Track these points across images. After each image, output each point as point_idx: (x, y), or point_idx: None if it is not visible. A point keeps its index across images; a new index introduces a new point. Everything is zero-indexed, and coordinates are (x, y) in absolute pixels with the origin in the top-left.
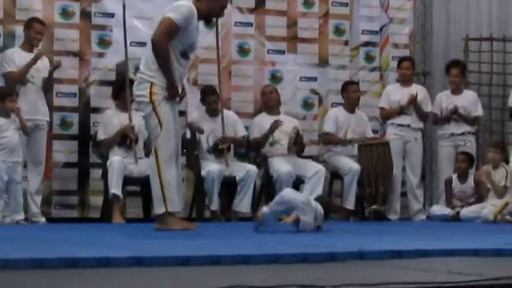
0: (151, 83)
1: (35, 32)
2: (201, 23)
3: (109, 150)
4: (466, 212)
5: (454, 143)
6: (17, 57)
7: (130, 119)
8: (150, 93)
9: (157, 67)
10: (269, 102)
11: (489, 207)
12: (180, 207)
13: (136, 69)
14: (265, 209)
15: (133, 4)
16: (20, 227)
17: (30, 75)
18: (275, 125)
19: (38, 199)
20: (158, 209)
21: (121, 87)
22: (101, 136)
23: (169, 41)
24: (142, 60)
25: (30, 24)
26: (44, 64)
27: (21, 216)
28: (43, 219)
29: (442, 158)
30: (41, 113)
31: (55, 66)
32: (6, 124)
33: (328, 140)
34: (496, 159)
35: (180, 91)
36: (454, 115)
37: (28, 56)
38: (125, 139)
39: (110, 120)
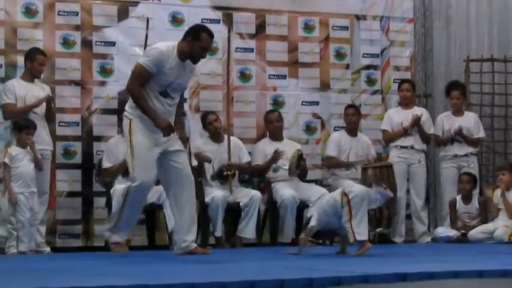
0: (130, 120)
1: (39, 64)
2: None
3: (113, 179)
4: (475, 233)
5: (457, 164)
6: (18, 88)
7: None
8: (130, 127)
9: (135, 105)
10: (274, 132)
11: (502, 228)
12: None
13: None
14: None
15: (134, 32)
16: (25, 257)
17: None
18: (276, 156)
19: (43, 229)
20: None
21: None
22: (106, 164)
23: (141, 85)
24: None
25: (33, 56)
26: (45, 94)
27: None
28: (48, 249)
29: (445, 180)
30: (44, 143)
31: (47, 100)
32: (22, 154)
33: (331, 163)
34: (509, 181)
35: (166, 124)
36: (459, 136)
37: (29, 87)
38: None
39: (115, 148)
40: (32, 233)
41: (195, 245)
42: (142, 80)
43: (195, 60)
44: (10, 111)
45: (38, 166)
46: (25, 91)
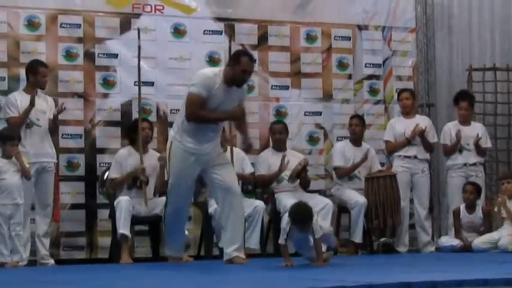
0: (171, 142)
1: (42, 76)
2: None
3: (118, 190)
4: (479, 243)
5: (465, 173)
6: (20, 101)
7: (141, 160)
8: (169, 149)
9: (178, 129)
10: (277, 142)
11: (506, 237)
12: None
13: (141, 108)
14: None
15: (136, 44)
16: (29, 269)
17: (35, 117)
18: (285, 163)
19: (47, 241)
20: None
21: (135, 128)
22: (113, 175)
23: (200, 109)
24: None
25: (36, 69)
26: (49, 105)
27: (18, 258)
28: (52, 261)
29: (452, 189)
30: (48, 155)
31: (60, 111)
32: (6, 166)
33: (341, 173)
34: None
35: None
36: (471, 145)
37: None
38: (135, 181)
39: (125, 160)
40: (16, 246)
41: (235, 254)
42: (197, 106)
43: (239, 84)
44: (14, 123)
45: (26, 176)
46: (28, 103)
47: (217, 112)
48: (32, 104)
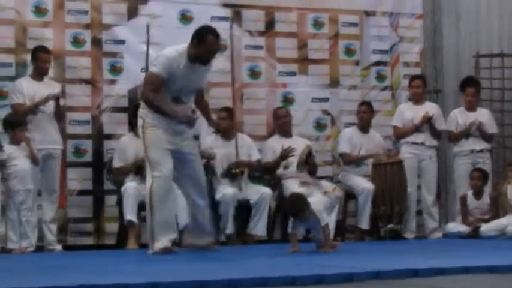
0: (144, 120)
1: (42, 61)
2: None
3: (123, 178)
4: (487, 230)
5: (472, 160)
6: (26, 87)
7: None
8: (143, 127)
9: (145, 109)
10: (283, 127)
11: None
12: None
13: None
14: None
15: (143, 31)
16: (37, 255)
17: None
18: (285, 153)
19: (54, 227)
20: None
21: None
22: (116, 164)
23: (155, 91)
24: None
25: (35, 54)
26: (54, 92)
27: (27, 243)
28: (59, 247)
29: (459, 176)
30: (54, 142)
31: (54, 96)
32: (16, 152)
33: (347, 160)
34: None
35: (187, 117)
36: (478, 131)
37: (37, 85)
38: (140, 170)
39: (126, 147)
40: (26, 231)
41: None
42: (154, 86)
43: (203, 63)
44: (19, 110)
45: (35, 162)
46: (34, 90)
47: (168, 108)
48: (43, 103)
